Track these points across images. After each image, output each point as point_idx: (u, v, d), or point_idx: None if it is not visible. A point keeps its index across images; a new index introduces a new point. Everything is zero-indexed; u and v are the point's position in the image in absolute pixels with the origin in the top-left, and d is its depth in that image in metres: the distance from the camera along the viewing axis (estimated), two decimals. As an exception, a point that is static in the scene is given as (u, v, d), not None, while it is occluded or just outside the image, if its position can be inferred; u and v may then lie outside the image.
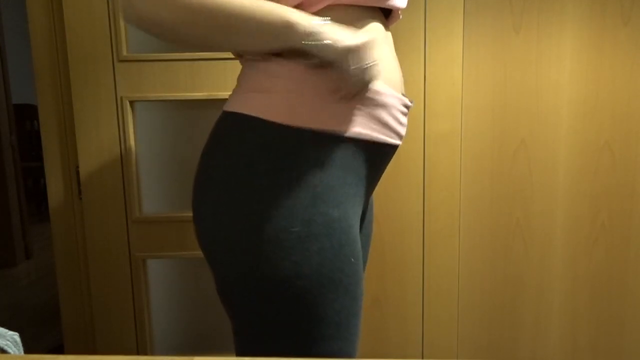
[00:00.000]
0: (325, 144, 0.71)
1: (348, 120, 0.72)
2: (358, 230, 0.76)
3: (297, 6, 0.71)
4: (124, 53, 1.27)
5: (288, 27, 0.67)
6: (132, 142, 1.31)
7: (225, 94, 1.27)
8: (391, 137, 0.77)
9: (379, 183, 1.36)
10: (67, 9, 1.25)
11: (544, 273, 1.40)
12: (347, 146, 0.72)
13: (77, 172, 1.32)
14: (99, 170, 1.32)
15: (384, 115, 0.75)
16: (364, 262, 0.95)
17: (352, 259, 0.73)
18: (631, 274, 1.39)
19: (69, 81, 1.29)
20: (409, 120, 1.33)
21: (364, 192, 0.78)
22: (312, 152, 0.70)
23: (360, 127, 0.73)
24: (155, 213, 1.37)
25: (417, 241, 1.38)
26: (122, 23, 1.26)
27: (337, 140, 0.72)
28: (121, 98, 1.28)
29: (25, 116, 4.40)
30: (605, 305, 1.40)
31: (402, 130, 0.80)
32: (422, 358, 1.41)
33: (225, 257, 0.72)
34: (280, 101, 0.70)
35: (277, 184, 0.69)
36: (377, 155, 0.78)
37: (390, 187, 1.37)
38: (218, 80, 1.28)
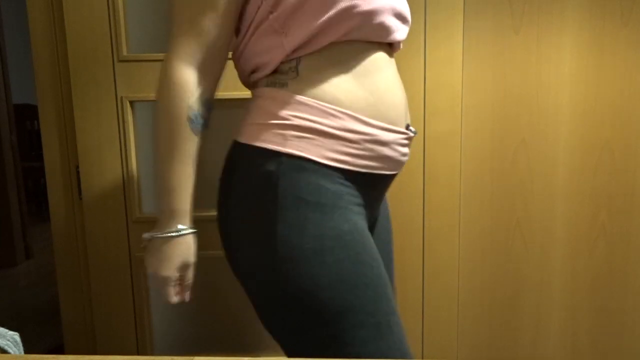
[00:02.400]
0: (327, 171, 0.75)
1: (346, 153, 0.76)
2: (372, 239, 0.79)
3: (304, 44, 0.74)
4: (124, 53, 1.27)
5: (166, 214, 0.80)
6: (132, 142, 1.31)
7: (224, 94, 1.28)
8: (388, 170, 0.81)
9: (379, 183, 1.36)
10: (67, 9, 1.25)
11: (544, 273, 1.40)
12: (347, 174, 0.77)
13: (77, 172, 1.32)
14: (99, 170, 1.32)
15: (382, 149, 0.79)
16: (390, 268, 0.98)
17: (373, 264, 0.75)
18: (631, 274, 1.39)
19: (69, 81, 1.29)
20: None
21: (366, 209, 0.82)
22: (316, 177, 0.74)
23: (357, 161, 0.77)
24: (155, 213, 1.37)
25: (417, 241, 1.38)
26: (122, 23, 1.26)
27: (337, 169, 0.76)
28: (121, 98, 1.29)
29: (25, 116, 4.39)
30: (605, 304, 1.41)
31: (403, 159, 0.84)
32: (422, 358, 1.41)
33: (251, 282, 0.77)
34: (284, 134, 0.75)
35: (285, 207, 0.73)
36: (376, 181, 0.82)
37: (390, 187, 1.37)
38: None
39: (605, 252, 1.38)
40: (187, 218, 0.80)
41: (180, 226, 0.79)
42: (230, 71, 1.27)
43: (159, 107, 0.77)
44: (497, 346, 1.43)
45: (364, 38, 0.77)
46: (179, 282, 0.82)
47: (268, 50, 0.76)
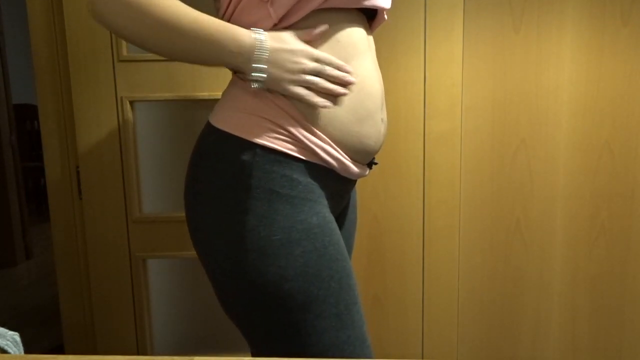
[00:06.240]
0: (300, 165, 0.75)
1: (320, 149, 0.76)
2: (339, 232, 0.80)
3: (285, 15, 0.73)
4: (124, 53, 1.27)
5: (233, 53, 0.71)
6: (132, 142, 1.31)
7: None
8: (360, 162, 0.82)
9: (379, 182, 1.36)
10: (67, 9, 1.25)
11: (544, 273, 1.40)
12: (318, 169, 0.77)
13: (77, 172, 1.32)
14: (99, 170, 1.32)
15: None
16: (349, 257, 0.98)
17: (339, 257, 0.76)
18: (631, 274, 1.39)
19: (69, 81, 1.29)
20: (409, 120, 1.33)
21: (337, 201, 0.83)
22: (290, 171, 0.74)
23: (329, 158, 0.77)
24: (155, 213, 1.37)
25: (417, 241, 1.38)
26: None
27: (310, 163, 0.76)
28: (121, 98, 1.28)
29: (25, 116, 4.39)
30: (605, 304, 1.40)
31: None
32: (422, 358, 1.41)
33: (216, 268, 0.77)
34: (262, 125, 0.74)
35: (257, 198, 0.73)
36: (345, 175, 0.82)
37: (390, 187, 1.37)
38: (218, 80, 1.28)
39: (605, 252, 1.38)
40: (243, 30, 0.71)
41: (254, 35, 0.71)
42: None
43: (140, 13, 0.68)
44: (497, 346, 1.43)
45: (345, 4, 0.75)
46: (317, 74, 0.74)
47: (254, 25, 0.74)
